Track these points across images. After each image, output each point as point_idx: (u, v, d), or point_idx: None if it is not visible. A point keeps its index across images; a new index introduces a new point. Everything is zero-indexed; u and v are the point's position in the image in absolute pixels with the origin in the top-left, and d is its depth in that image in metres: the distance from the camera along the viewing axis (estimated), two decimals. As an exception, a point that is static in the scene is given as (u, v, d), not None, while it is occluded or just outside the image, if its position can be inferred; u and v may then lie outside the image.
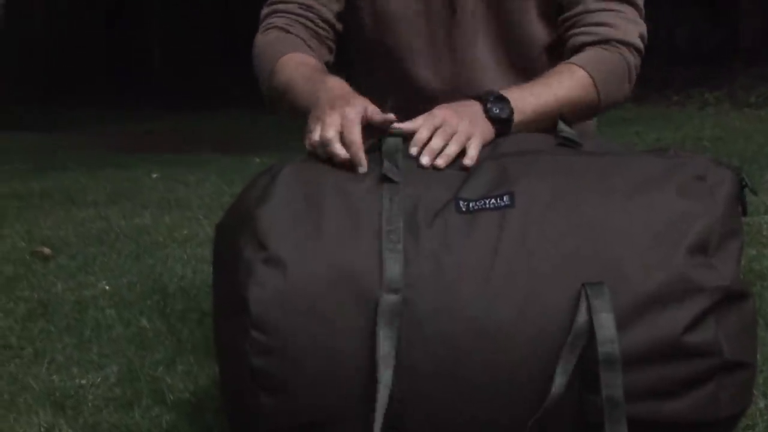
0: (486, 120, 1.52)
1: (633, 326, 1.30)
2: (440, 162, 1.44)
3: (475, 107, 1.54)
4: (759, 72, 7.59)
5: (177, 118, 10.52)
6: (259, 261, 1.37)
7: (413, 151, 1.45)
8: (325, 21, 1.76)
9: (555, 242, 1.33)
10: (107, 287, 2.82)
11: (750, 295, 1.41)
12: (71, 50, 14.94)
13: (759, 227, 2.87)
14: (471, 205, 1.38)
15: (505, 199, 1.37)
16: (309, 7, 1.75)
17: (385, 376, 1.30)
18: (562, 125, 1.53)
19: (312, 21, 1.75)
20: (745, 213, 1.47)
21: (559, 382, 1.29)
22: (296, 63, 1.66)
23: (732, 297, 1.36)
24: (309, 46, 1.73)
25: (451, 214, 1.38)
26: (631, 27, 1.69)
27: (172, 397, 1.92)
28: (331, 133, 1.44)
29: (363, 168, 1.42)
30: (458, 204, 1.38)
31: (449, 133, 1.47)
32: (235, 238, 1.43)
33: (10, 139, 8.72)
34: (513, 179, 1.41)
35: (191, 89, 12.86)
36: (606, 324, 1.28)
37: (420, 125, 1.48)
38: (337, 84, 1.56)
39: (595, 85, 1.64)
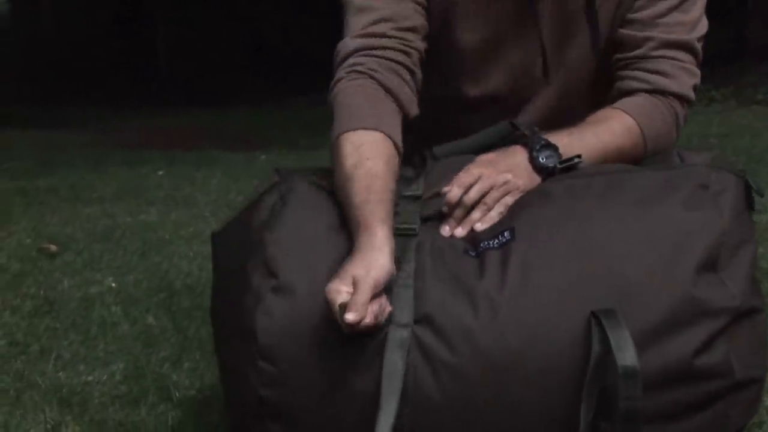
0: (530, 170, 1.48)
1: (644, 351, 1.28)
2: (458, 232, 1.43)
3: (519, 156, 1.50)
4: (766, 69, 7.57)
5: (183, 116, 10.51)
6: (267, 289, 1.35)
7: (444, 209, 1.45)
8: (420, 58, 1.60)
9: (560, 271, 1.32)
10: (113, 284, 2.82)
11: (762, 308, 1.38)
12: (78, 48, 14.94)
13: (766, 225, 2.85)
14: (478, 248, 1.38)
15: (506, 234, 1.37)
16: (407, 43, 1.58)
17: (388, 411, 1.27)
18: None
19: (409, 56, 1.58)
20: (752, 209, 1.45)
21: (585, 420, 1.26)
22: (360, 158, 1.45)
23: (743, 314, 1.33)
24: (397, 100, 1.55)
25: (459, 258, 1.37)
26: (687, 78, 1.62)
27: (178, 395, 1.92)
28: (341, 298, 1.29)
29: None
30: (466, 251, 1.38)
31: (482, 191, 1.44)
32: (243, 261, 1.41)
33: (17, 136, 8.72)
34: (513, 213, 1.40)
35: (197, 87, 12.86)
36: (624, 341, 1.25)
37: (454, 182, 1.46)
38: (377, 242, 1.35)
39: (644, 137, 1.58)
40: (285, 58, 12.51)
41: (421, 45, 1.61)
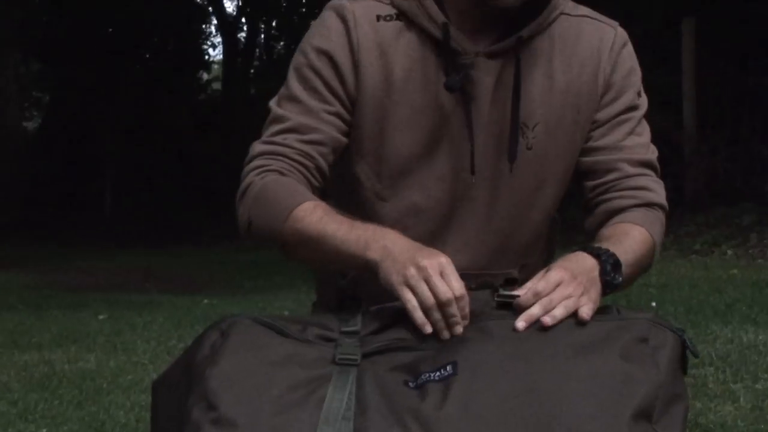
0: (599, 282, 1.51)
1: None
2: (549, 320, 1.42)
3: (591, 268, 1.52)
4: (703, 219, 7.74)
5: (127, 259, 10.45)
6: (207, 422, 1.33)
7: (520, 323, 1.42)
8: (320, 172, 1.67)
9: (499, 409, 1.32)
10: (47, 436, 2.75)
11: None
12: (21, 190, 14.91)
13: (704, 379, 2.86)
14: (418, 380, 1.38)
15: (448, 368, 1.37)
16: (309, 156, 1.65)
17: None
18: (501, 290, 1.53)
19: (309, 171, 1.66)
20: (685, 372, 1.48)
21: None
22: (325, 210, 1.58)
23: None
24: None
25: (399, 388, 1.37)
26: (662, 190, 1.71)
27: None
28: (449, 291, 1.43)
29: (465, 322, 1.43)
30: (407, 382, 1.38)
31: (559, 298, 1.45)
32: (183, 398, 1.39)
33: (-45, 277, 8.59)
34: (454, 348, 1.41)
35: (142, 230, 12.84)
36: None
37: (530, 289, 1.46)
38: (399, 236, 1.51)
39: (654, 246, 1.65)
40: (230, 199, 12.58)
41: (322, 161, 1.67)
